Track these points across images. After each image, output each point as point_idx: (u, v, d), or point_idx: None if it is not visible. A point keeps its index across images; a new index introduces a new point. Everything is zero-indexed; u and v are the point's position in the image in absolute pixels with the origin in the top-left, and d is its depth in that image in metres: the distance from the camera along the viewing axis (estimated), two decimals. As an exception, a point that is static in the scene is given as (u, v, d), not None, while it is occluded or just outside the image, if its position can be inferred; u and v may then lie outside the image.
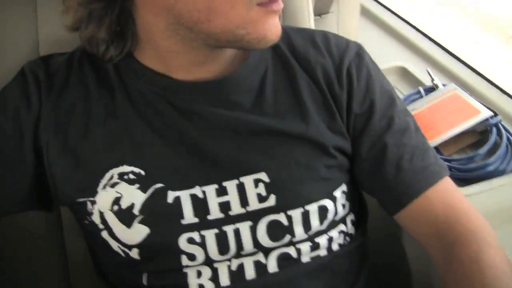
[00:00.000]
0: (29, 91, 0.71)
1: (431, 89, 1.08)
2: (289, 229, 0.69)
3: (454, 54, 1.21)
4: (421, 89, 1.08)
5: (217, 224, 0.68)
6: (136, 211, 0.68)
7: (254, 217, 0.69)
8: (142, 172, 0.68)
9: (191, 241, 0.68)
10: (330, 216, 0.72)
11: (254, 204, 0.69)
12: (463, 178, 0.90)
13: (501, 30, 2.33)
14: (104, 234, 0.69)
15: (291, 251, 0.70)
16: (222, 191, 0.68)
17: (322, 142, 0.71)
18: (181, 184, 0.68)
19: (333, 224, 0.73)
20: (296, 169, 0.70)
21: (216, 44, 0.66)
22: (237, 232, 0.68)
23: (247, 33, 0.63)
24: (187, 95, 0.70)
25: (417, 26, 1.31)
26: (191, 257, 0.68)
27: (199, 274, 0.69)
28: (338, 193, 0.73)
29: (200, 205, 0.68)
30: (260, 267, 0.70)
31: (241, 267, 0.69)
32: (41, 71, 0.72)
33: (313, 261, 0.72)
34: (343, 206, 0.74)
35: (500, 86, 1.09)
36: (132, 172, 0.68)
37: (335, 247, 0.74)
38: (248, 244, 0.69)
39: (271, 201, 0.69)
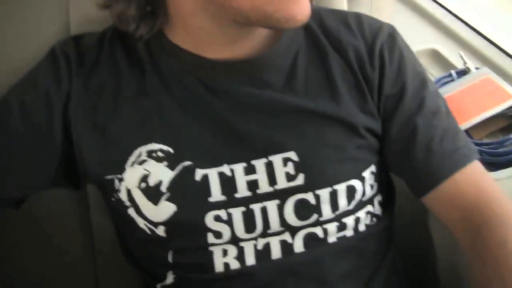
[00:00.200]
0: (60, 70, 0.72)
1: (463, 72, 1.06)
2: (317, 209, 0.69)
3: (487, 37, 1.18)
4: (453, 72, 1.06)
5: (244, 202, 0.68)
6: (163, 188, 0.68)
7: (282, 195, 0.69)
8: (171, 150, 0.69)
9: (218, 218, 0.68)
10: (358, 196, 0.72)
11: (282, 183, 0.69)
12: (493, 163, 0.88)
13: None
14: (131, 212, 0.70)
15: (318, 231, 0.71)
16: (250, 170, 0.69)
17: (352, 122, 0.71)
18: (210, 162, 0.68)
19: (360, 205, 0.73)
20: (325, 148, 0.70)
21: (245, 22, 0.65)
22: (264, 211, 0.69)
23: (276, 11, 0.62)
24: (218, 74, 0.70)
25: (450, 8, 1.29)
26: (218, 235, 0.69)
27: (224, 252, 0.70)
28: (366, 174, 0.72)
29: (228, 183, 0.68)
30: (286, 247, 0.70)
31: (267, 246, 0.70)
32: (72, 50, 0.73)
33: (340, 241, 0.72)
34: (371, 186, 0.74)
35: (535, 71, 1.07)
36: (161, 150, 0.69)
37: (361, 228, 0.74)
38: (275, 223, 0.69)
39: (300, 180, 0.69)
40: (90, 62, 0.72)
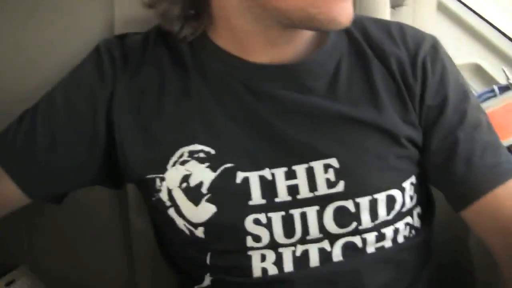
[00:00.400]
0: (104, 69, 0.73)
1: (506, 88, 1.05)
2: (356, 217, 0.69)
3: (532, 53, 1.17)
4: (495, 87, 1.05)
5: (284, 206, 0.68)
6: (204, 189, 0.68)
7: (322, 202, 0.69)
8: (213, 151, 0.69)
9: (257, 222, 0.68)
10: (397, 206, 0.71)
11: (322, 189, 0.68)
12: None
13: None
14: (171, 212, 0.71)
15: (357, 240, 0.70)
16: (291, 174, 0.68)
17: (394, 131, 0.71)
18: (251, 165, 0.68)
19: (399, 216, 0.72)
20: (366, 156, 0.70)
21: (288, 23, 0.66)
22: (303, 216, 0.68)
23: (318, 12, 0.62)
24: (261, 78, 0.70)
25: (493, 23, 1.28)
26: (257, 238, 0.68)
27: (263, 257, 0.69)
28: (406, 184, 0.72)
29: (268, 187, 0.68)
30: (324, 255, 0.69)
31: (305, 253, 0.69)
32: (117, 49, 0.74)
33: (378, 252, 0.71)
34: (411, 198, 0.73)
35: None
36: (203, 151, 0.69)
37: (400, 239, 0.73)
38: (314, 229, 0.69)
39: (340, 187, 0.68)
40: (135, 61, 0.73)
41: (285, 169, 0.69)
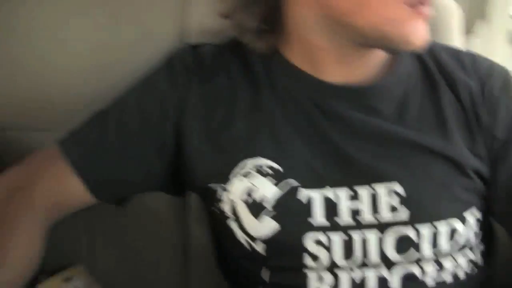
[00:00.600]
0: (177, 77, 0.74)
1: None
2: (417, 245, 0.68)
3: None
4: None
5: (345, 228, 0.68)
6: (267, 204, 0.68)
7: (383, 227, 0.68)
8: (278, 167, 0.69)
9: (317, 242, 0.68)
10: (458, 238, 0.69)
11: (385, 214, 0.68)
12: None
13: None
14: (232, 223, 0.71)
15: (416, 270, 0.68)
16: (354, 196, 0.68)
17: (460, 161, 0.70)
18: (315, 184, 0.68)
19: (460, 249, 0.71)
20: (431, 184, 0.69)
21: (362, 41, 0.67)
22: (364, 240, 0.68)
23: (393, 32, 0.64)
24: (331, 97, 0.71)
25: None
26: (315, 258, 0.68)
27: (320, 279, 0.69)
28: (469, 217, 0.70)
29: (331, 207, 0.68)
30: (382, 283, 0.68)
31: (363, 279, 0.68)
32: (190, 58, 0.76)
33: (438, 286, 0.69)
34: (473, 231, 0.72)
35: None
36: (268, 165, 0.69)
37: (461, 275, 0.71)
38: (373, 254, 0.68)
39: (402, 213, 0.68)
40: (207, 71, 0.75)
41: (348, 189, 0.68)
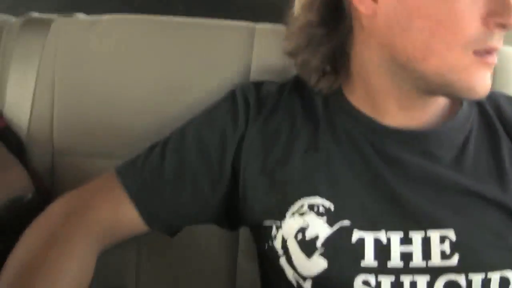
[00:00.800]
0: (238, 112, 0.76)
1: None
2: None
3: None
4: None
5: (395, 272, 0.67)
6: (319, 243, 0.69)
7: (434, 273, 0.67)
8: (332, 207, 0.69)
9: (366, 283, 0.67)
10: None
11: (436, 260, 0.67)
12: None
13: None
14: (282, 261, 0.71)
15: None
16: (406, 240, 0.68)
17: None
18: (368, 226, 0.68)
19: None
20: (485, 233, 0.68)
21: (425, 87, 0.67)
22: (413, 285, 0.67)
23: (458, 79, 0.64)
24: (390, 141, 0.71)
25: None
26: None
27: None
28: None
29: (382, 249, 0.68)
30: None
31: None
32: (252, 95, 0.77)
33: None
34: None
35: None
36: (323, 205, 0.70)
37: None
38: None
39: (454, 260, 0.67)
40: (268, 108, 0.76)
41: (401, 233, 0.68)
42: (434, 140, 0.71)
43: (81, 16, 1.00)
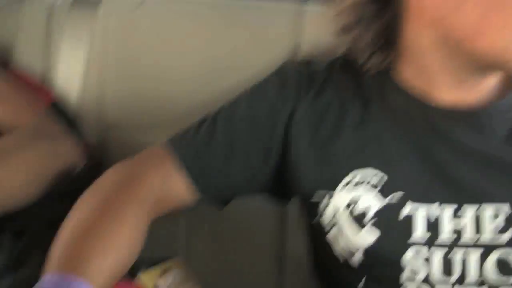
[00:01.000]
0: (288, 86, 0.77)
1: None
2: None
3: None
4: None
5: (447, 245, 0.67)
6: (370, 214, 0.69)
7: (487, 247, 0.67)
8: (386, 177, 0.70)
9: (417, 255, 0.67)
10: None
11: (489, 234, 0.67)
12: None
13: None
14: (330, 236, 0.72)
15: None
16: (459, 213, 0.68)
17: None
18: (421, 197, 0.68)
19: None
20: None
21: (478, 65, 0.66)
22: (465, 258, 0.67)
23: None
24: (443, 119, 0.71)
25: None
26: (413, 272, 0.68)
27: None
28: None
29: (434, 222, 0.68)
30: None
31: None
32: (303, 70, 0.78)
33: None
34: None
35: None
36: (376, 176, 0.70)
37: None
38: (473, 273, 0.67)
39: (509, 234, 0.66)
40: (319, 83, 0.77)
41: (455, 206, 0.68)
42: (486, 117, 0.71)
43: None
